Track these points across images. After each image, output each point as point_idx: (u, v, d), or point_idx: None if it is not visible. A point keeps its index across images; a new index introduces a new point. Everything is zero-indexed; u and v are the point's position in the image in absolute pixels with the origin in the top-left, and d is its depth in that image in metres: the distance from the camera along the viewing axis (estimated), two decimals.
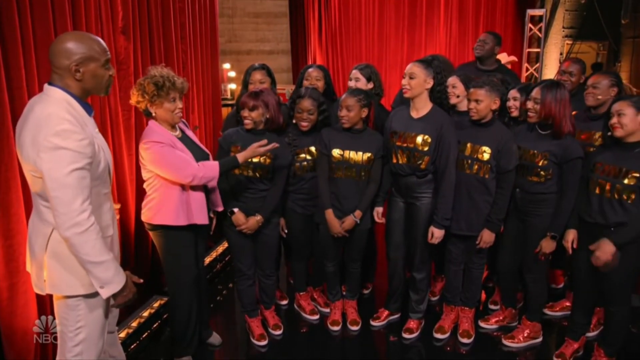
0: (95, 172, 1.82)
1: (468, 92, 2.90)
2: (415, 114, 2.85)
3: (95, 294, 1.89)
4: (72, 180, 1.69)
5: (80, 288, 1.86)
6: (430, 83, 2.80)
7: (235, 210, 2.79)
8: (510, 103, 3.05)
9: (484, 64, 4.02)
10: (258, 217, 2.82)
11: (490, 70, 3.92)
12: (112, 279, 1.82)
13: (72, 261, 1.83)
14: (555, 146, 2.68)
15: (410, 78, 2.77)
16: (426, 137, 2.79)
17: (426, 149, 2.79)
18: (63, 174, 1.68)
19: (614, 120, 2.48)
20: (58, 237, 1.81)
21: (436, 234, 2.86)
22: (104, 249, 1.79)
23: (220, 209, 2.75)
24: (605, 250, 2.47)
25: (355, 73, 3.23)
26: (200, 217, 2.54)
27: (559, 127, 2.65)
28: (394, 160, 2.90)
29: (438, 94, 2.95)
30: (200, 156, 2.54)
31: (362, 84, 3.20)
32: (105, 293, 1.83)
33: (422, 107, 2.84)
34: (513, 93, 3.05)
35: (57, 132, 1.68)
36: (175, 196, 2.47)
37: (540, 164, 2.72)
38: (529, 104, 2.74)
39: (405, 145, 2.84)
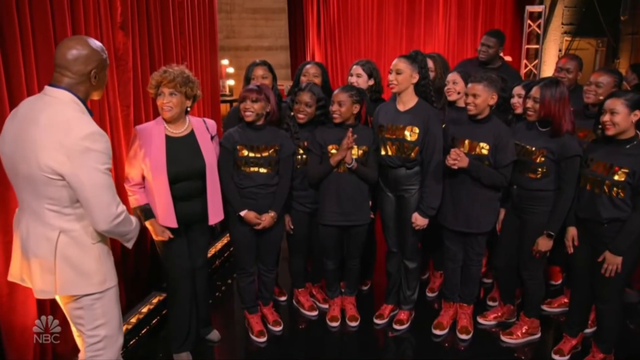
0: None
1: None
2: (401, 107, 2.90)
3: (108, 290, 1.95)
4: (106, 180, 1.81)
5: (95, 286, 1.90)
6: (416, 78, 2.86)
7: (243, 213, 2.78)
8: (515, 100, 3.05)
9: (489, 64, 4.01)
10: (272, 214, 2.82)
11: (494, 68, 3.91)
12: (135, 233, 2.04)
13: (85, 261, 1.87)
14: (553, 143, 2.68)
15: (397, 73, 2.83)
16: (414, 128, 2.84)
17: (415, 139, 2.84)
18: (99, 175, 1.78)
19: (607, 118, 2.47)
20: (67, 240, 1.84)
21: (419, 221, 2.90)
22: (130, 218, 1.98)
23: (215, 221, 2.69)
24: (612, 262, 2.52)
25: (356, 69, 3.23)
26: (165, 220, 2.53)
27: (559, 125, 2.65)
28: (383, 153, 2.93)
29: (422, 88, 2.98)
30: (188, 161, 2.52)
31: (364, 80, 3.20)
32: (131, 244, 2.05)
33: (408, 101, 2.89)
34: (518, 90, 3.04)
35: (87, 135, 1.75)
36: (151, 196, 2.52)
37: (537, 160, 2.72)
38: (528, 103, 2.74)
39: (394, 137, 2.88)
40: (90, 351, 1.96)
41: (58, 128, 1.73)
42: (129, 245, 2.05)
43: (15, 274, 1.97)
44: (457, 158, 2.69)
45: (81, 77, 1.81)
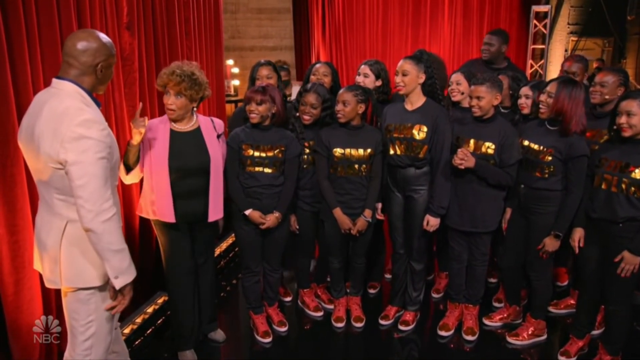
0: (110, 162, 1.85)
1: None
2: (409, 107, 2.91)
3: (106, 287, 1.92)
4: (98, 169, 1.74)
5: (95, 280, 1.89)
6: (422, 78, 2.86)
7: (247, 212, 2.78)
8: (522, 100, 3.05)
9: (494, 64, 4.00)
10: (277, 214, 2.82)
11: (501, 68, 3.90)
12: (127, 269, 1.86)
13: (88, 253, 1.85)
14: (560, 143, 2.67)
15: (404, 75, 2.83)
16: (422, 127, 2.84)
17: (423, 137, 2.84)
18: (90, 162, 1.72)
19: (623, 120, 2.45)
20: (73, 231, 1.84)
21: (431, 222, 2.90)
22: (122, 238, 1.85)
23: (214, 218, 2.66)
24: (630, 262, 2.50)
25: (364, 68, 3.22)
26: (164, 215, 2.52)
27: (568, 124, 2.63)
28: (392, 152, 2.93)
29: (429, 88, 2.98)
30: (192, 156, 2.52)
31: (371, 80, 3.19)
32: (119, 283, 1.85)
33: (416, 101, 2.89)
34: (525, 90, 3.04)
35: (80, 122, 1.73)
36: (149, 189, 2.53)
37: (544, 159, 2.71)
38: (542, 97, 2.73)
39: (402, 136, 2.88)
40: (80, 349, 1.94)
41: (56, 117, 1.74)
42: (116, 281, 1.83)
43: (36, 263, 2.00)
44: (464, 158, 2.69)
45: (87, 68, 1.82)
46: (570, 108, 2.62)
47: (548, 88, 2.71)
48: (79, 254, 1.86)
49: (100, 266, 1.86)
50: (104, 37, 1.88)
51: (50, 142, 1.73)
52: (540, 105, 2.74)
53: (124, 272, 1.84)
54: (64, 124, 1.72)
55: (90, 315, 1.92)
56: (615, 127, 2.52)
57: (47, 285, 1.96)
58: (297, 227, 3.12)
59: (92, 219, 1.74)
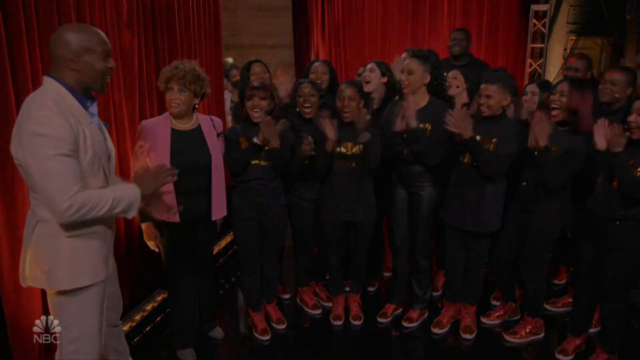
0: (83, 162, 1.77)
1: (467, 86, 3.04)
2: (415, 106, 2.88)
3: (84, 289, 1.86)
4: (55, 165, 1.67)
5: (63, 282, 1.83)
6: (427, 78, 2.86)
7: (256, 139, 2.69)
8: (528, 97, 3.02)
9: (459, 60, 4.13)
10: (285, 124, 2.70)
11: (463, 65, 4.00)
12: (131, 202, 1.84)
13: (56, 255, 1.81)
14: (570, 140, 2.64)
15: (409, 74, 2.83)
16: (426, 125, 2.84)
17: (428, 135, 2.83)
18: (45, 160, 1.66)
19: (633, 118, 2.42)
20: (41, 229, 1.82)
21: None
22: (102, 195, 1.78)
23: (218, 217, 2.69)
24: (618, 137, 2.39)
25: (371, 66, 3.21)
26: (168, 215, 2.49)
27: (581, 123, 2.60)
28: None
29: (435, 89, 2.98)
30: (193, 154, 2.53)
31: (376, 75, 3.19)
32: (132, 214, 1.87)
33: (420, 100, 2.89)
34: (532, 87, 3.03)
35: (34, 118, 1.68)
36: None
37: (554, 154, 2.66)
38: (555, 97, 2.67)
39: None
40: (65, 351, 1.91)
41: (20, 115, 1.73)
42: (128, 215, 1.86)
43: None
44: (460, 124, 2.57)
45: (61, 61, 1.76)
46: (583, 108, 2.60)
47: (559, 87, 2.67)
48: (45, 254, 1.82)
49: (66, 267, 1.81)
50: (81, 27, 1.84)
51: (14, 140, 1.72)
52: (552, 105, 2.67)
53: (130, 207, 1.84)
54: (23, 121, 1.69)
55: (69, 318, 1.87)
56: (625, 126, 2.48)
57: (21, 282, 1.92)
58: (313, 146, 2.83)
59: (61, 216, 1.71)
